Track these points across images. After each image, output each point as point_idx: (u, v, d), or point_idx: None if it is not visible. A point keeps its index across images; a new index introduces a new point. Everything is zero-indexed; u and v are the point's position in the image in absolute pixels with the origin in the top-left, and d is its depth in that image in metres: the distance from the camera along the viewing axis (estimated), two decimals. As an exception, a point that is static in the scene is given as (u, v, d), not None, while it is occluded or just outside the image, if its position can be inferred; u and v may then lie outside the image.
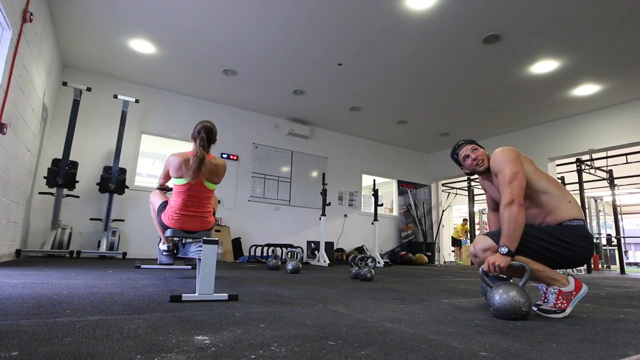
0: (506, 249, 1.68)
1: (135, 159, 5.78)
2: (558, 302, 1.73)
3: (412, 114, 6.78)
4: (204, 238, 1.93)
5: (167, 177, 2.52)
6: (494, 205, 2.08)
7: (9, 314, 1.31)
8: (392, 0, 3.71)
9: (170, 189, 2.61)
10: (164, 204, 2.45)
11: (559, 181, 1.80)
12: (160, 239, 2.66)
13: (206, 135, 2.32)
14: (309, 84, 5.73)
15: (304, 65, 5.14)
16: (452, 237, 10.54)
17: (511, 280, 1.87)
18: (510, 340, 1.24)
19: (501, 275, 1.90)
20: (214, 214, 2.56)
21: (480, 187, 10.07)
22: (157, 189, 2.66)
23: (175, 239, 2.62)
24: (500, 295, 1.62)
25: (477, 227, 11.74)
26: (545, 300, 1.79)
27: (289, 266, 3.84)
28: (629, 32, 4.06)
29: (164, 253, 2.65)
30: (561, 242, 1.73)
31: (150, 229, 5.37)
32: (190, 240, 2.42)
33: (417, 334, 1.28)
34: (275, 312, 1.59)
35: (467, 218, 10.12)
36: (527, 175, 1.80)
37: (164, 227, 2.40)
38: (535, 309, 1.80)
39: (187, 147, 4.29)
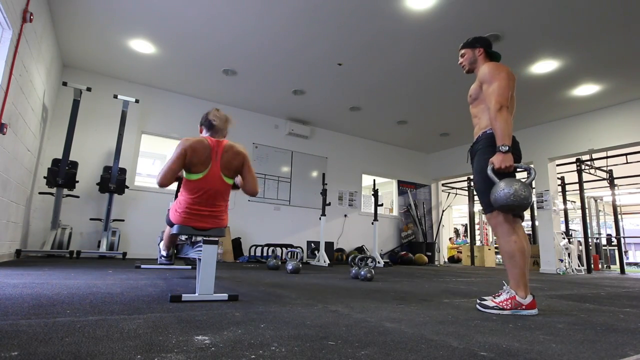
0: (506, 147, 1.84)
1: (135, 159, 5.78)
2: (505, 303, 1.82)
3: (412, 114, 6.78)
4: (204, 238, 1.93)
5: (179, 162, 1.95)
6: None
7: (9, 314, 1.31)
8: (392, 0, 3.71)
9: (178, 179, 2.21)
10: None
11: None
12: (162, 238, 2.60)
13: (221, 118, 2.10)
14: (309, 84, 5.73)
15: (304, 65, 5.13)
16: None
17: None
18: (510, 340, 1.24)
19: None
20: (255, 191, 2.20)
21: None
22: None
23: (183, 237, 2.42)
24: (506, 184, 1.79)
25: (477, 227, 11.73)
26: (497, 296, 1.89)
27: (289, 266, 3.83)
28: (629, 33, 4.06)
29: (163, 257, 2.63)
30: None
31: (150, 229, 5.39)
32: (200, 238, 2.14)
33: (417, 334, 1.28)
34: (275, 312, 1.59)
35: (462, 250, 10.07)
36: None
37: (171, 225, 2.10)
38: (477, 301, 1.94)
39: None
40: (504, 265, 1.92)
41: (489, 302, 1.86)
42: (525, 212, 1.96)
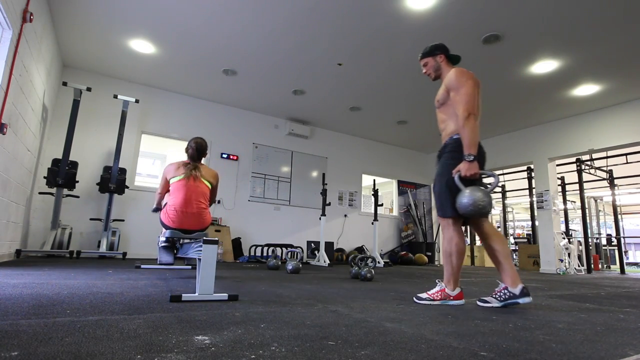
0: (472, 157, 1.94)
1: (135, 159, 5.78)
2: (435, 294, 2.02)
3: (412, 114, 6.78)
4: (204, 238, 1.93)
5: (166, 187, 2.68)
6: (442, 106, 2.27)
7: (9, 314, 1.31)
8: (392, 0, 3.71)
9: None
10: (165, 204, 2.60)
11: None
12: (160, 238, 2.69)
13: (196, 146, 2.67)
14: (309, 84, 5.73)
15: (304, 65, 5.14)
16: None
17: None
18: (510, 340, 1.24)
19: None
20: (214, 196, 2.82)
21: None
22: (155, 210, 2.85)
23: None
24: (469, 193, 1.93)
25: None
26: (430, 290, 2.09)
27: (289, 266, 3.83)
28: (629, 32, 4.06)
29: (162, 244, 2.66)
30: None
31: (150, 229, 5.39)
32: (188, 240, 2.51)
33: (417, 334, 1.28)
34: (275, 312, 1.59)
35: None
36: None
37: (164, 227, 2.55)
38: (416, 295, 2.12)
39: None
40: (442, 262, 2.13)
41: (424, 294, 2.06)
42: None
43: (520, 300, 1.93)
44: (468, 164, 1.93)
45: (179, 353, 0.94)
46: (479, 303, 2.05)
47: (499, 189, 10.11)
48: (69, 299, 1.65)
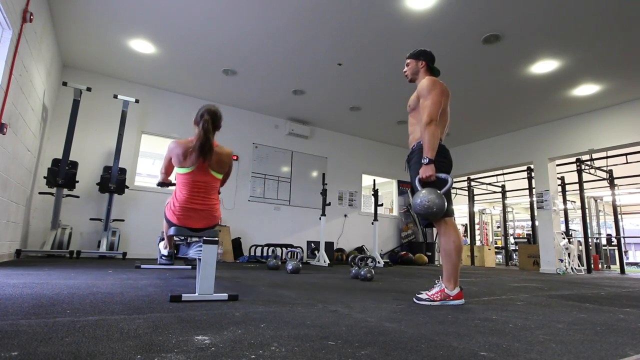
0: (427, 159, 2.03)
1: (135, 159, 5.78)
2: (435, 295, 2.04)
3: (412, 114, 6.77)
4: (204, 238, 1.93)
5: (169, 167, 2.32)
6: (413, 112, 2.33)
7: (9, 314, 1.31)
8: (392, 0, 3.71)
9: (173, 184, 2.40)
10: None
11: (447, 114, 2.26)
12: (161, 238, 2.64)
13: (210, 118, 2.12)
14: (309, 84, 5.73)
15: (304, 65, 5.14)
16: None
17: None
18: (510, 340, 1.24)
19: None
20: (226, 178, 2.44)
21: (479, 187, 10.06)
22: (159, 184, 2.47)
23: (179, 238, 2.53)
24: (416, 195, 2.02)
25: (477, 227, 11.73)
26: (430, 289, 2.10)
27: (289, 266, 3.84)
28: (629, 33, 4.06)
29: (163, 257, 2.64)
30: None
31: (150, 229, 5.39)
32: (197, 239, 2.27)
33: (417, 334, 1.28)
34: (275, 312, 1.59)
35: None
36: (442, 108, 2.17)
37: (169, 224, 2.23)
38: (415, 295, 2.12)
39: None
40: (442, 261, 2.14)
41: (424, 295, 2.07)
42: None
43: (454, 303, 2.01)
44: (424, 167, 2.03)
45: (179, 353, 0.94)
46: (414, 300, 2.09)
47: (498, 189, 10.12)
48: (69, 299, 1.65)
